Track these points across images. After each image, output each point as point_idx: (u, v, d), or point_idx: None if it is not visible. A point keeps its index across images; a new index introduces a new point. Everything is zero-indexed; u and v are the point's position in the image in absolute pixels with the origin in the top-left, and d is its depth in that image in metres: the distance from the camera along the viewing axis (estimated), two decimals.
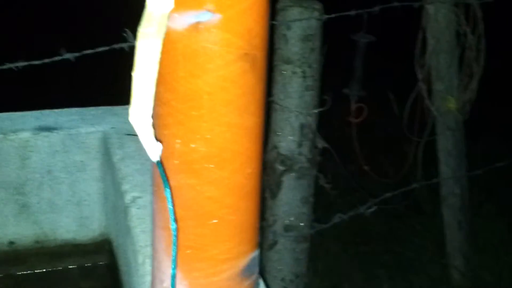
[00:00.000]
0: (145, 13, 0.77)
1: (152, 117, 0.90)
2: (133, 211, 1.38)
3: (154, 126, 0.92)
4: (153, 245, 1.05)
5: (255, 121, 0.94)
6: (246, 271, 1.01)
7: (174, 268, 0.90)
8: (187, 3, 0.82)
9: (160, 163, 0.81)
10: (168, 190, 0.82)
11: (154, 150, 0.81)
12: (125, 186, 1.47)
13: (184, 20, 0.83)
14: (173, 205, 0.95)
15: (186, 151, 0.91)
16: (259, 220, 1.04)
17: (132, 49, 1.77)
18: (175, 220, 0.85)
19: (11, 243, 1.73)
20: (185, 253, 0.96)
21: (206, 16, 0.83)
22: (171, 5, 0.79)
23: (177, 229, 0.97)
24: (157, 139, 0.91)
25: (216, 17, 0.83)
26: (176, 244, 0.86)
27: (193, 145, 0.90)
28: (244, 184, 0.97)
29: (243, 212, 0.99)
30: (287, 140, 2.06)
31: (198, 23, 0.83)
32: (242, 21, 0.85)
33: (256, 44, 0.89)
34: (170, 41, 0.84)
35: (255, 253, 1.04)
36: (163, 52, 0.82)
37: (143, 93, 0.77)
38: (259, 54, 0.90)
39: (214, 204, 0.95)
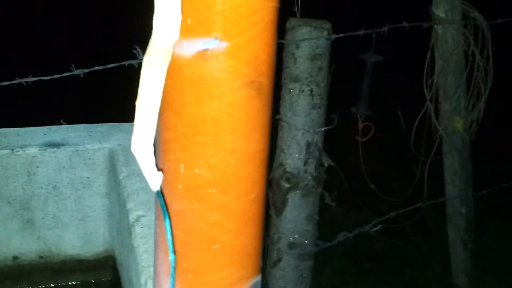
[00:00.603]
0: (151, 43, 0.78)
1: (157, 142, 0.90)
2: (137, 230, 1.38)
3: (158, 151, 0.92)
4: (154, 267, 1.05)
5: (260, 147, 0.94)
6: None
7: None
8: (195, 30, 0.82)
9: (160, 193, 0.81)
10: (167, 220, 0.82)
11: (154, 180, 0.81)
12: (130, 204, 1.47)
13: (192, 47, 0.83)
14: (174, 232, 0.96)
15: (190, 176, 0.91)
16: (261, 245, 1.04)
17: (141, 65, 1.79)
18: (174, 252, 0.84)
19: (15, 258, 1.73)
20: (187, 277, 0.96)
21: (214, 44, 0.83)
22: (177, 36, 0.79)
23: (176, 256, 0.97)
24: (161, 164, 0.91)
25: (223, 45, 0.84)
26: (174, 274, 0.85)
27: (197, 170, 0.90)
28: (248, 209, 0.96)
29: (246, 237, 0.98)
30: (293, 158, 2.06)
31: (205, 50, 0.83)
32: (249, 49, 0.86)
33: (263, 71, 0.89)
34: (177, 67, 0.84)
35: (257, 278, 1.03)
36: (170, 78, 0.83)
37: (146, 122, 0.78)
38: (265, 81, 0.90)
39: (217, 229, 0.94)
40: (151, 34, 0.79)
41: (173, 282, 0.86)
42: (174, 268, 0.83)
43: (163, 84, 0.79)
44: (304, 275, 2.20)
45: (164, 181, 0.88)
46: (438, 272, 2.71)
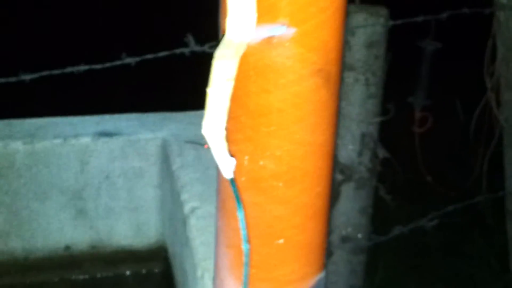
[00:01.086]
0: (224, 39, 0.75)
1: None
2: (193, 221, 1.35)
3: None
4: (215, 261, 1.02)
5: (327, 138, 0.90)
6: None
7: None
8: (260, 16, 0.78)
9: (233, 181, 0.78)
10: (241, 210, 0.79)
11: (227, 166, 0.77)
12: (184, 196, 1.44)
13: (257, 34, 0.79)
14: (236, 226, 0.92)
15: (254, 168, 0.87)
16: (326, 241, 1.00)
17: (193, 54, 1.76)
18: (248, 241, 0.81)
19: (67, 247, 1.73)
20: (250, 273, 0.92)
21: (281, 30, 0.79)
22: (251, 34, 0.75)
23: (239, 251, 0.94)
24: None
25: (291, 31, 0.79)
26: (248, 264, 0.82)
27: (261, 162, 0.87)
28: (313, 203, 0.92)
29: (311, 232, 0.95)
30: (347, 149, 2.01)
31: (271, 37, 0.79)
32: (318, 35, 0.81)
33: (331, 59, 0.84)
34: (242, 55, 0.80)
35: (322, 274, 1.00)
36: None
37: (218, 108, 0.74)
38: (334, 69, 0.86)
39: (281, 224, 0.91)
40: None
41: (247, 274, 0.83)
42: (248, 257, 0.80)
43: (235, 73, 0.75)
44: (356, 269, 2.15)
45: None
46: (496, 269, 2.63)
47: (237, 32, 0.76)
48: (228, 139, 0.87)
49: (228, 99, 0.76)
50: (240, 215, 0.79)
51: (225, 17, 0.82)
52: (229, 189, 0.92)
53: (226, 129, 0.87)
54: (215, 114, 0.75)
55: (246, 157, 0.87)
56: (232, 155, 0.87)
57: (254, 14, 0.75)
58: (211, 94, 0.74)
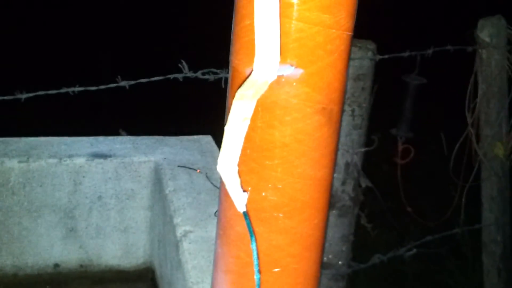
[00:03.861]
0: (249, 79, 0.79)
1: None
2: (185, 245, 1.38)
3: None
4: (212, 286, 1.06)
5: (326, 172, 0.95)
6: None
7: None
8: None
9: (246, 214, 0.82)
10: (254, 242, 0.82)
11: (241, 200, 0.82)
12: (177, 219, 1.47)
13: None
14: (236, 253, 0.96)
15: (257, 199, 0.91)
16: (320, 270, 1.04)
17: (186, 79, 1.80)
18: (259, 271, 0.85)
19: (56, 265, 1.75)
20: None
21: (289, 70, 0.84)
22: (275, 76, 0.80)
23: (237, 277, 0.98)
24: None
25: (298, 72, 0.84)
26: None
27: (263, 193, 0.91)
28: (310, 234, 0.97)
29: (307, 261, 0.99)
30: None
31: (280, 76, 0.84)
32: (323, 76, 0.86)
33: (334, 98, 0.89)
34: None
35: None
36: None
37: (232, 146, 0.79)
38: (336, 108, 0.91)
39: (279, 253, 0.95)
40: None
41: None
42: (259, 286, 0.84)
43: (251, 115, 0.80)
44: None
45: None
46: None
47: (262, 72, 0.80)
48: None
49: (243, 138, 0.80)
50: (253, 246, 0.82)
51: (237, 55, 0.87)
52: (231, 219, 0.96)
53: None
54: (230, 151, 0.80)
55: (249, 188, 0.91)
56: None
57: (278, 55, 0.80)
58: (227, 132, 0.79)
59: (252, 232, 0.82)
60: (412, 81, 2.11)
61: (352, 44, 2.11)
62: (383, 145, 2.02)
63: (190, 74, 1.77)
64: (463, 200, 2.33)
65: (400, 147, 2.19)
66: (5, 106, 1.75)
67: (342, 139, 2.01)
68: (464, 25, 2.30)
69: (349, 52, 0.90)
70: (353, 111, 2.00)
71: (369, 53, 1.96)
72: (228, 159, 0.80)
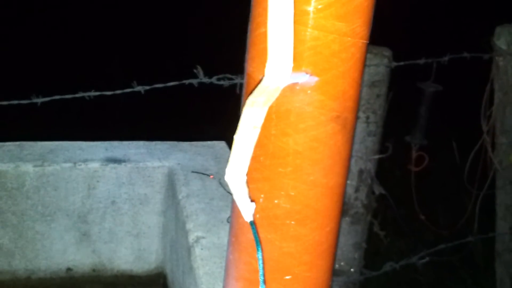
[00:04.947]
0: (260, 85, 0.79)
1: None
2: (197, 251, 1.38)
3: None
4: None
5: (339, 180, 0.95)
6: None
7: None
8: None
9: (253, 223, 0.82)
10: (260, 251, 0.82)
11: (248, 210, 0.82)
12: (190, 225, 1.47)
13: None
14: (247, 260, 0.96)
15: (269, 206, 0.91)
16: (331, 278, 1.04)
17: (201, 85, 1.81)
18: (264, 282, 0.84)
19: (69, 269, 1.75)
20: None
21: (304, 78, 0.83)
22: (287, 82, 0.80)
23: (248, 285, 0.97)
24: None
25: (313, 79, 0.84)
26: None
27: (276, 201, 0.91)
28: (322, 242, 0.96)
29: (319, 269, 0.98)
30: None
31: (294, 84, 0.84)
32: (338, 84, 0.86)
33: (348, 106, 0.89)
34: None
35: None
36: None
37: (241, 155, 0.78)
38: (350, 116, 0.90)
39: (291, 260, 0.95)
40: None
41: None
42: None
43: (261, 123, 0.79)
44: None
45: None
46: None
47: (274, 78, 0.80)
48: (246, 177, 0.92)
49: (253, 147, 0.80)
50: (259, 256, 0.82)
51: (252, 62, 0.87)
52: (243, 226, 0.96)
53: None
54: (239, 160, 0.79)
55: (262, 195, 0.91)
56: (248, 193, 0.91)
57: (291, 62, 0.80)
58: (237, 141, 0.78)
59: (258, 242, 0.82)
60: (428, 88, 2.11)
61: (367, 51, 2.11)
62: (397, 152, 2.02)
63: (205, 80, 1.77)
64: (476, 208, 2.32)
65: (414, 154, 2.19)
66: (20, 110, 1.77)
67: (356, 146, 2.00)
68: (480, 33, 2.29)
69: (364, 60, 0.90)
70: (367, 118, 1.99)
71: (385, 60, 1.96)
72: (236, 168, 0.79)
